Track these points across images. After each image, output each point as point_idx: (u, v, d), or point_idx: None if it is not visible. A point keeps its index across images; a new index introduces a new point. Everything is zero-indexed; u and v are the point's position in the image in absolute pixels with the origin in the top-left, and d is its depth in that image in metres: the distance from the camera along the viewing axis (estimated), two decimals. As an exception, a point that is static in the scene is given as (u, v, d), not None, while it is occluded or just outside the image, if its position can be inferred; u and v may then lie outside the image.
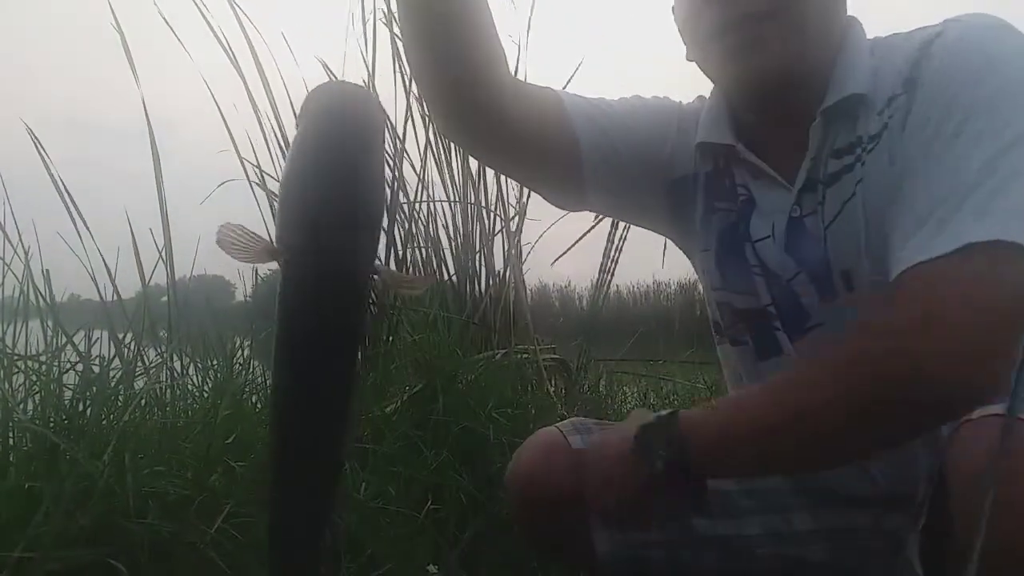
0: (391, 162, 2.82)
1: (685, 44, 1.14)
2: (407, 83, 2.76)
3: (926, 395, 0.78)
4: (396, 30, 2.78)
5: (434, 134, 2.84)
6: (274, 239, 0.70)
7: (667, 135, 1.18)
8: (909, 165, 0.92)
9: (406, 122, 2.77)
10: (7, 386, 1.64)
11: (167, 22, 2.47)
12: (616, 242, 3.08)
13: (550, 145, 1.11)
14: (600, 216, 2.82)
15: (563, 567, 1.62)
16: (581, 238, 3.01)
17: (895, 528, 1.06)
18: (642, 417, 1.03)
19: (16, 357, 1.74)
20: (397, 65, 2.77)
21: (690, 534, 1.16)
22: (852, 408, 0.83)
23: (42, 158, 2.20)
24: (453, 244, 2.88)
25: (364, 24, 2.75)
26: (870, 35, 1.07)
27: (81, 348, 1.85)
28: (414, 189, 2.78)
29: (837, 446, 0.89)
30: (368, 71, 2.77)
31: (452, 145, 2.85)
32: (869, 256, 0.99)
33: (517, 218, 2.95)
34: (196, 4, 2.53)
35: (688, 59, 1.14)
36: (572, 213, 1.43)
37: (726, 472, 1.01)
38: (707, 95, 1.21)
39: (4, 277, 1.92)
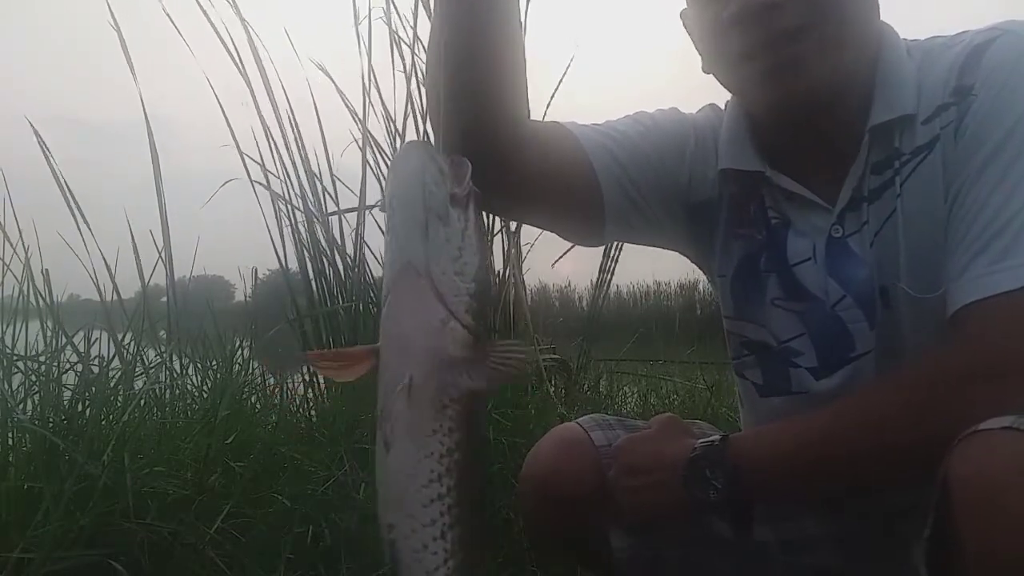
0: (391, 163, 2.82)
1: (701, 56, 1.08)
2: (406, 80, 2.76)
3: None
4: (395, 26, 2.78)
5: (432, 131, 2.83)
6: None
7: (683, 157, 1.12)
8: (964, 181, 0.91)
9: (405, 118, 2.77)
10: (7, 386, 1.64)
11: (171, 19, 2.47)
12: (616, 242, 3.08)
13: (570, 189, 1.07)
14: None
15: (563, 567, 1.62)
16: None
17: (903, 535, 1.06)
18: (676, 431, 1.07)
19: (16, 357, 1.74)
20: (395, 61, 2.78)
21: (706, 537, 1.14)
22: (904, 452, 0.86)
23: (45, 157, 2.21)
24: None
25: (363, 21, 2.75)
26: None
27: (81, 348, 1.85)
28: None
29: (884, 478, 0.93)
30: (367, 67, 2.78)
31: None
32: (908, 273, 0.97)
33: (517, 218, 2.94)
34: (199, 3, 2.53)
35: (705, 71, 1.09)
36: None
37: (775, 498, 1.02)
38: (719, 104, 1.17)
39: (4, 277, 1.92)
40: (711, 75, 1.09)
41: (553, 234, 1.22)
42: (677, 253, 1.26)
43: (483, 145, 0.95)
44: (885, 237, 0.98)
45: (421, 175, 0.62)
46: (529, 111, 1.02)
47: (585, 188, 1.07)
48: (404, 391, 0.60)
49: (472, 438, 0.63)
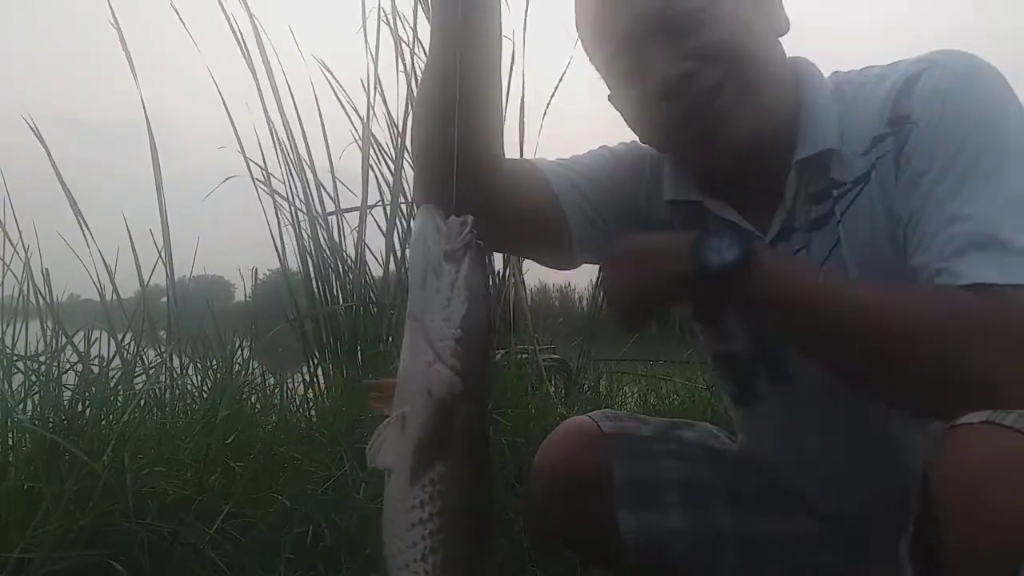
0: (392, 164, 2.82)
1: (636, 130, 1.13)
2: (408, 80, 2.76)
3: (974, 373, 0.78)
4: (401, 33, 2.79)
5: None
6: None
7: (640, 182, 1.20)
8: (916, 206, 0.92)
9: (406, 118, 2.77)
10: (7, 386, 1.64)
11: (179, 15, 2.48)
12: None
13: (539, 220, 1.14)
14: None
15: (563, 567, 1.62)
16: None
17: (892, 531, 1.07)
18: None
19: (16, 357, 1.74)
20: (399, 62, 2.78)
21: (711, 525, 1.21)
22: (905, 337, 0.82)
23: (48, 157, 2.21)
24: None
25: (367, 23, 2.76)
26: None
27: (81, 348, 1.85)
28: (413, 188, 2.77)
29: (878, 366, 0.86)
30: (372, 67, 2.78)
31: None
32: None
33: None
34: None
35: (643, 142, 1.15)
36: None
37: (769, 307, 0.93)
38: None
39: (4, 277, 1.92)
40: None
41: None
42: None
43: (463, 187, 0.98)
44: (833, 263, 1.01)
45: (423, 234, 0.71)
46: (503, 153, 1.09)
47: (552, 219, 1.14)
48: (397, 421, 0.67)
49: (458, 472, 0.68)
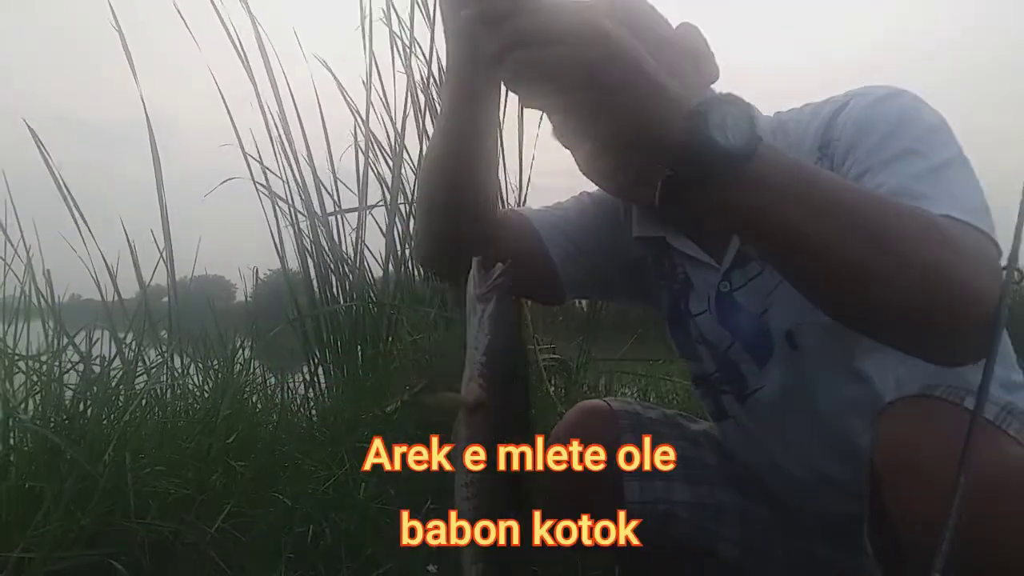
0: (392, 163, 2.83)
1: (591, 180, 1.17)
2: (407, 78, 2.77)
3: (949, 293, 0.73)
4: (395, 28, 2.79)
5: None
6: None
7: (617, 221, 1.26)
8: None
9: (404, 118, 2.78)
10: (8, 386, 1.65)
11: (181, 15, 2.49)
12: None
13: (529, 262, 1.21)
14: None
15: (563, 567, 1.63)
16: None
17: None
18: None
19: (17, 357, 1.75)
20: (394, 58, 2.79)
21: (713, 501, 1.27)
22: (886, 256, 0.74)
23: (44, 160, 2.22)
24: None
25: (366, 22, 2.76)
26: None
27: (82, 348, 1.86)
28: (412, 187, 2.78)
29: (849, 269, 0.76)
30: (370, 67, 2.79)
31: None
32: (813, 311, 0.93)
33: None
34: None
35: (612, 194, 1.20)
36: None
37: (742, 197, 0.76)
38: None
39: (5, 277, 1.93)
40: None
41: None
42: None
43: (461, 240, 1.07)
44: (784, 285, 0.96)
45: (470, 281, 0.90)
46: (497, 208, 1.17)
47: (540, 260, 1.22)
48: (459, 422, 0.87)
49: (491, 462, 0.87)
